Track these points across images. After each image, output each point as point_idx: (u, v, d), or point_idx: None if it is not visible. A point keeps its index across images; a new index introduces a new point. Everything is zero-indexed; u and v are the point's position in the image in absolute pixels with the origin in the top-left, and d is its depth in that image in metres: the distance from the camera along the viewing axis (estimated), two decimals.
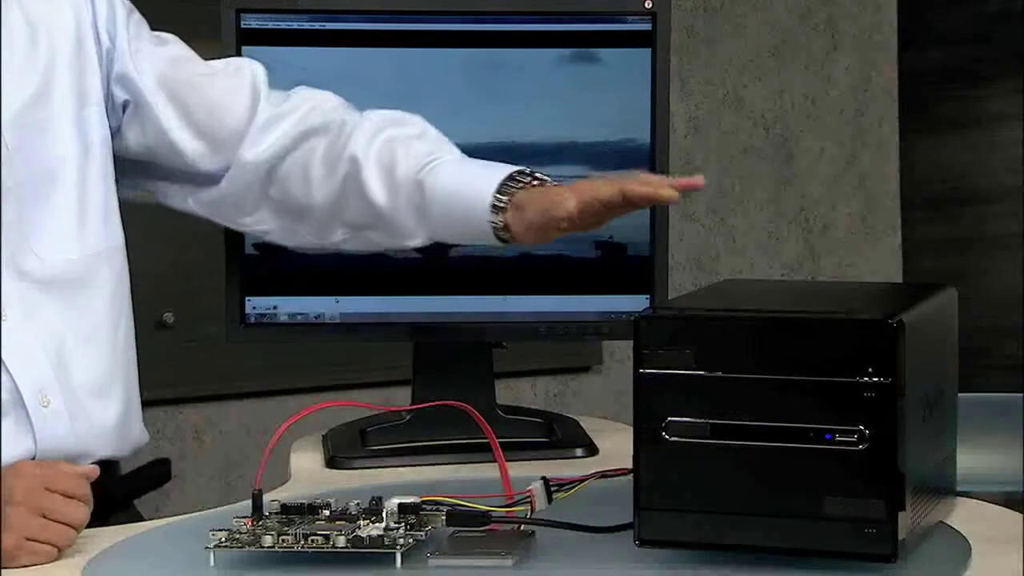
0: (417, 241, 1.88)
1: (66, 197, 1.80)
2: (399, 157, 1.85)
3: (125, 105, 1.88)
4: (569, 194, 1.73)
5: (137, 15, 1.91)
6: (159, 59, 1.89)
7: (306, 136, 1.89)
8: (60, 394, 1.77)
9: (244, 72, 1.92)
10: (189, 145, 1.89)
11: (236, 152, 1.89)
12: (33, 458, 1.73)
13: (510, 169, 1.80)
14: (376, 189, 1.86)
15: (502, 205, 1.77)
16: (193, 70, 1.91)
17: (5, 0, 1.79)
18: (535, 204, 1.75)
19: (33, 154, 1.78)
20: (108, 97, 1.87)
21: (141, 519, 1.88)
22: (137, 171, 1.93)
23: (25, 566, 1.56)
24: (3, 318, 1.74)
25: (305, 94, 1.93)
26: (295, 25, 2.04)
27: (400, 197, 1.85)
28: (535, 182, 1.79)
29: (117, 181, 1.87)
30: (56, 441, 1.76)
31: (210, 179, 1.91)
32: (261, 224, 1.94)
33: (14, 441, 1.72)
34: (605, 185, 1.73)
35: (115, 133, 1.88)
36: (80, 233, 1.81)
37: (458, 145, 1.89)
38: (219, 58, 1.96)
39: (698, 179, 1.71)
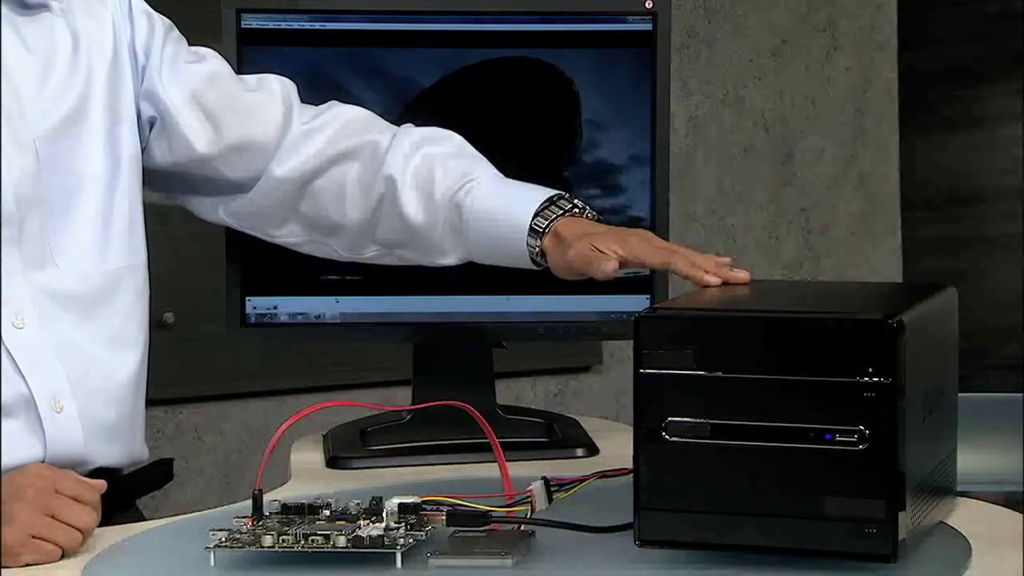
0: (451, 260, 1.89)
1: (92, 212, 1.80)
2: (436, 176, 1.86)
3: (152, 121, 1.89)
4: (615, 252, 1.71)
5: (176, 33, 1.92)
6: (193, 76, 1.89)
7: (340, 157, 1.90)
8: (73, 401, 1.77)
9: (275, 87, 1.93)
10: (218, 158, 1.89)
11: (267, 166, 1.91)
12: (42, 462, 1.73)
13: (549, 192, 1.81)
14: (413, 209, 1.87)
15: (541, 230, 1.78)
16: (226, 85, 1.91)
17: (52, 15, 1.80)
18: (580, 253, 1.74)
19: (63, 168, 1.78)
20: (138, 114, 1.88)
21: (143, 519, 1.88)
22: (167, 185, 1.94)
23: (28, 564, 1.56)
24: (20, 325, 1.74)
25: (337, 110, 1.94)
26: (295, 25, 2.05)
27: (437, 217, 1.86)
28: (575, 209, 1.79)
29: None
30: (65, 447, 1.76)
31: (239, 188, 1.92)
32: (291, 236, 1.95)
33: (23, 444, 1.73)
34: (653, 254, 1.72)
35: (143, 149, 1.89)
36: (103, 248, 1.81)
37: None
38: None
39: (744, 275, 1.67)
